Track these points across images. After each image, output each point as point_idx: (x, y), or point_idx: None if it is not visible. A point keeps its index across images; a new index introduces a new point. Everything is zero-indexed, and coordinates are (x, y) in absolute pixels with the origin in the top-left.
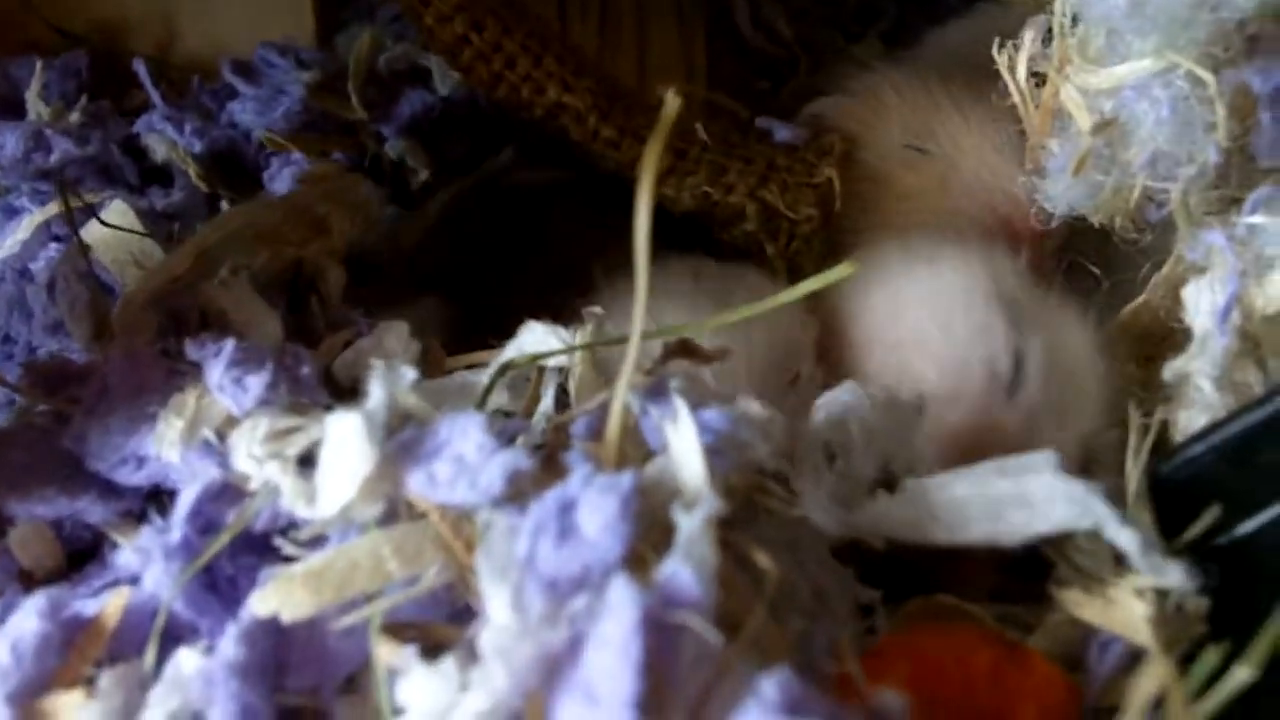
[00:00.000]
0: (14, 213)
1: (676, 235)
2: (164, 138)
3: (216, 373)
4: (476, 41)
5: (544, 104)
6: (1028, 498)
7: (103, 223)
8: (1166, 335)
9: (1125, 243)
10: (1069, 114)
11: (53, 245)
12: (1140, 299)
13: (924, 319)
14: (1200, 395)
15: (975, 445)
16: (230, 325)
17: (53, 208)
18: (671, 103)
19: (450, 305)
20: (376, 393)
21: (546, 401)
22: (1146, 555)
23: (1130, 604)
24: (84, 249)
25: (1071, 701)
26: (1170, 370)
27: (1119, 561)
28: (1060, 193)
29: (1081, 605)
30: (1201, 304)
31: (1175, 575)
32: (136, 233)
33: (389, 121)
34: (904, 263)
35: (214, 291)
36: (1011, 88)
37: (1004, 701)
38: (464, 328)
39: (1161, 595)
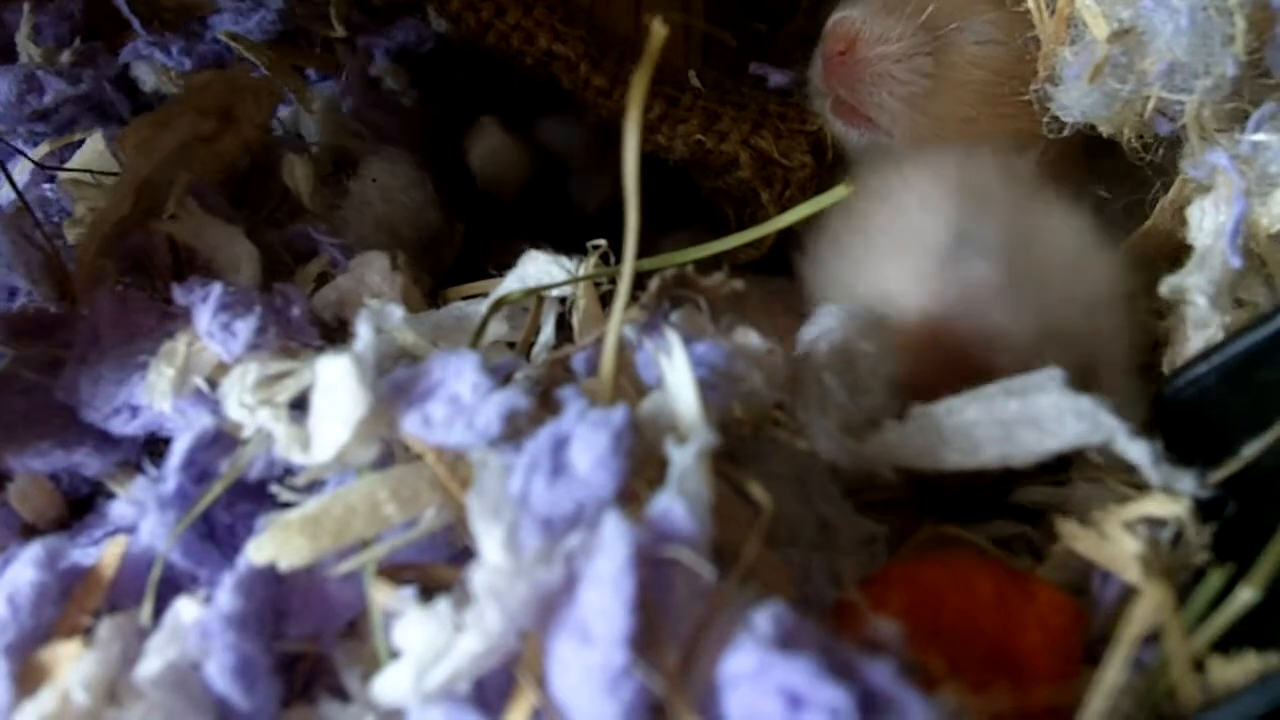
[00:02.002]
0: (9, 156)
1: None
2: (152, 63)
3: (205, 318)
4: None
5: (534, 53)
6: (1037, 416)
7: (49, 168)
8: (1176, 258)
9: (1135, 158)
10: (1084, 22)
11: (46, 186)
12: (1148, 222)
13: (879, 210)
14: (1196, 311)
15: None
16: (198, 257)
17: (44, 148)
18: (658, 32)
19: None
20: (365, 333)
21: (547, 332)
22: (1158, 466)
23: (1122, 540)
24: (26, 207)
25: (1076, 627)
26: (1167, 286)
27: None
28: (1074, 101)
29: (1078, 539)
30: (1205, 223)
31: (1188, 484)
32: (103, 173)
33: (377, 44)
34: (884, 165)
35: (171, 226)
36: None
37: (1008, 627)
38: None
39: (1158, 525)
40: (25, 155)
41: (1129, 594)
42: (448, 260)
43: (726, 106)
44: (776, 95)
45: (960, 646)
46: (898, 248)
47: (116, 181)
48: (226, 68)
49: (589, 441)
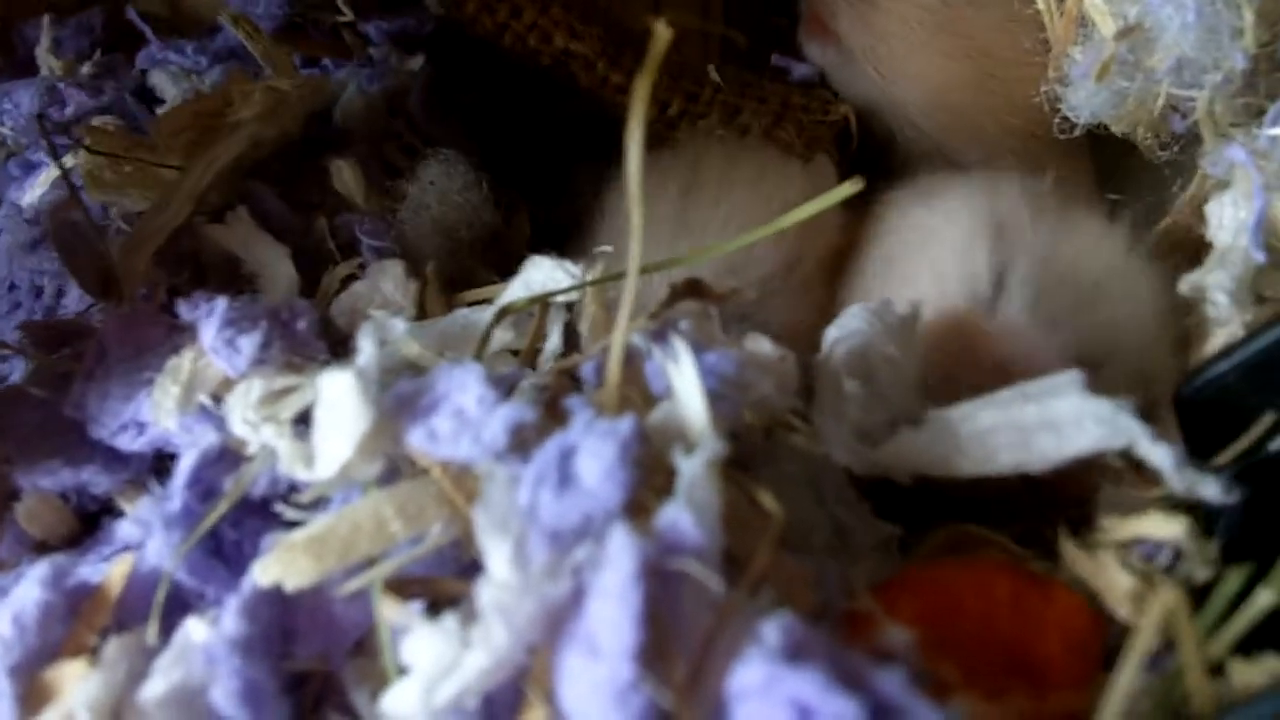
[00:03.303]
0: (32, 168)
1: None
2: (169, 69)
3: (210, 334)
4: None
5: (551, 52)
6: (1055, 421)
7: (90, 152)
8: (1196, 255)
9: (1152, 157)
10: (1093, 20)
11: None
12: (1168, 219)
13: (914, 246)
14: (1216, 309)
15: (959, 357)
16: (239, 267)
17: (68, 160)
18: (661, 35)
19: None
20: (367, 348)
21: (554, 339)
22: (1180, 471)
23: (1115, 575)
24: (78, 200)
25: (1096, 631)
26: (1187, 283)
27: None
28: (1083, 101)
29: (1076, 561)
30: (1224, 219)
31: (1210, 490)
32: (128, 158)
33: (378, 28)
34: (908, 195)
35: (219, 233)
36: None
37: (1026, 631)
38: None
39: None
40: (57, 163)
41: None
42: (520, 250)
43: (747, 100)
44: (799, 87)
45: (977, 652)
46: (936, 288)
47: (173, 187)
48: (242, 62)
49: (596, 452)
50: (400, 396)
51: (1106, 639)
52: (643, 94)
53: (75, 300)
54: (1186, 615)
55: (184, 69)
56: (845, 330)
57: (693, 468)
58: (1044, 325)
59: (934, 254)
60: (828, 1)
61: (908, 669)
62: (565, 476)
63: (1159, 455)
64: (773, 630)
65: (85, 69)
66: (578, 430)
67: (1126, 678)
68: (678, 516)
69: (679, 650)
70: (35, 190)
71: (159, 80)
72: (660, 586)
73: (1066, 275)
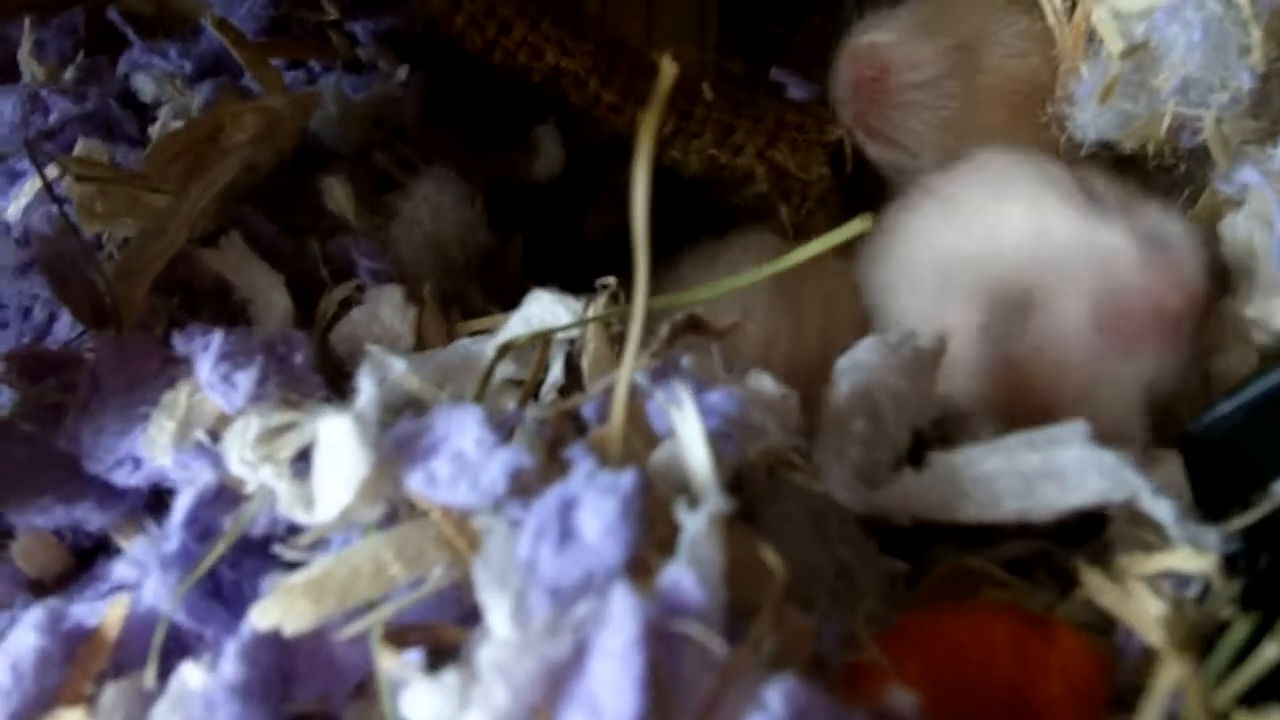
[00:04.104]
0: (15, 176)
1: (685, 199)
2: (151, 72)
3: (205, 368)
4: (467, 5)
5: (542, 69)
6: (1059, 470)
7: (77, 176)
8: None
9: (1161, 172)
10: (1101, 37)
11: (53, 206)
12: None
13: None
14: (1245, 337)
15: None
16: (232, 293)
17: (51, 171)
18: (668, 71)
19: None
20: (367, 389)
21: (555, 372)
22: (1182, 525)
23: (1144, 599)
24: (71, 227)
25: (1100, 674)
26: (1224, 316)
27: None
28: (1089, 120)
29: (1101, 591)
30: (1239, 240)
31: (1214, 541)
32: (112, 181)
33: (365, 27)
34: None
35: (212, 258)
36: (1046, 9)
37: (1028, 676)
38: None
39: (1183, 583)
40: (52, 195)
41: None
42: (513, 274)
43: (741, 119)
44: (794, 105)
45: (980, 699)
46: (1032, 194)
47: (168, 213)
48: (224, 68)
49: (598, 508)
50: (400, 439)
51: (1111, 680)
52: (649, 132)
53: (67, 326)
54: (1196, 677)
55: (167, 73)
56: (853, 363)
57: (696, 524)
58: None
59: (1017, 178)
60: (899, 127)
61: None
62: (566, 531)
63: (1161, 509)
64: (776, 696)
65: (68, 74)
66: (579, 481)
67: None
68: (680, 576)
69: (681, 713)
70: (20, 200)
71: (141, 84)
72: (663, 649)
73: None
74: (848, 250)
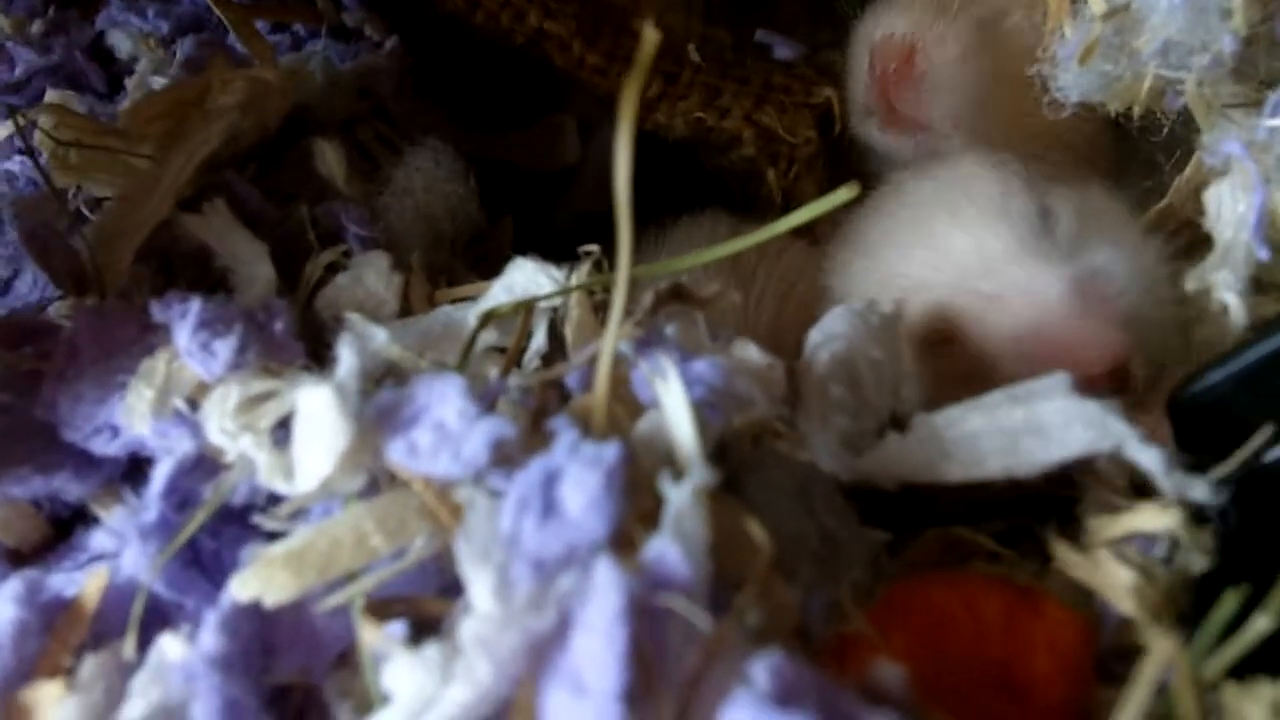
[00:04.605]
0: None
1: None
2: (128, 29)
3: (184, 336)
4: None
5: (525, 31)
6: (1043, 424)
7: (52, 138)
8: (1192, 240)
9: (1143, 135)
10: None
11: (18, 158)
12: (1164, 201)
13: (945, 199)
14: (1226, 309)
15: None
16: (212, 259)
17: (4, 129)
18: (650, 38)
19: None
20: (347, 359)
21: (538, 339)
22: (1170, 474)
23: (1114, 570)
24: (54, 190)
25: (1085, 644)
26: (1193, 279)
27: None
28: (1071, 81)
29: (1070, 562)
30: (1223, 211)
31: (1200, 492)
32: (90, 146)
33: None
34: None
35: (195, 224)
36: None
37: (1017, 649)
38: None
39: (1149, 543)
40: (34, 161)
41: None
42: (501, 254)
43: (728, 81)
44: (781, 67)
45: (968, 672)
46: (982, 221)
47: (151, 181)
48: (205, 30)
49: (581, 481)
50: (380, 409)
51: (1096, 651)
52: (631, 99)
53: (28, 285)
54: (1183, 654)
55: (144, 32)
56: (827, 333)
57: (681, 497)
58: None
59: (978, 198)
60: (934, 109)
61: (900, 714)
62: (549, 504)
63: (1148, 458)
64: (761, 671)
65: (35, 26)
66: (562, 453)
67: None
68: (665, 550)
69: (665, 689)
70: None
71: (116, 39)
72: (646, 623)
73: (1100, 225)
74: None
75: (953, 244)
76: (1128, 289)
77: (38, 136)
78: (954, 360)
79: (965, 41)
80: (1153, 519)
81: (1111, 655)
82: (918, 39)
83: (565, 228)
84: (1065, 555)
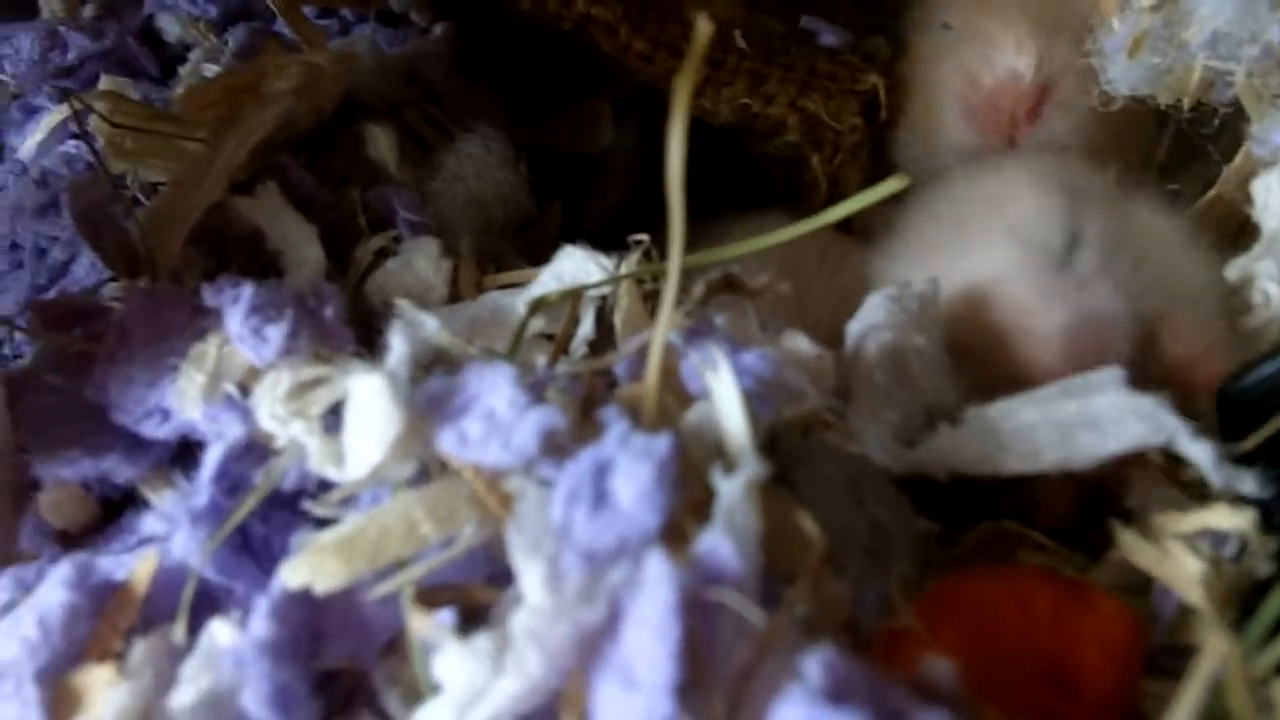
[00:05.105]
0: (33, 112)
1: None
2: (177, 13)
3: (235, 321)
4: None
5: (572, 16)
6: (1097, 418)
7: (109, 123)
8: (1240, 231)
9: (1191, 128)
10: None
11: (71, 143)
12: (1212, 192)
13: (982, 209)
14: (1266, 299)
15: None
16: (263, 243)
17: (63, 112)
18: (703, 29)
19: None
20: (399, 347)
21: (586, 326)
22: (1220, 468)
23: (1183, 558)
24: (107, 173)
25: (1135, 639)
26: (1235, 269)
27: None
28: (1120, 74)
29: (1138, 551)
30: (1270, 201)
31: (1249, 485)
32: (146, 130)
33: None
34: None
35: (247, 206)
36: None
37: (1066, 644)
38: None
39: (1220, 541)
40: (90, 147)
41: (1189, 606)
42: (550, 240)
43: (773, 67)
44: (826, 53)
45: (1018, 666)
46: (1006, 242)
47: (204, 163)
48: (253, 12)
49: (632, 473)
50: (431, 397)
51: (1146, 644)
52: (685, 92)
53: (85, 269)
54: (1237, 655)
55: (192, 16)
56: (867, 323)
57: (733, 490)
58: (1113, 291)
59: (1011, 214)
60: (1058, 131)
61: (952, 712)
62: (600, 495)
63: (1199, 452)
64: (814, 666)
65: (87, 10)
66: (612, 444)
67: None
68: (717, 543)
69: (717, 683)
70: (36, 137)
71: (165, 23)
72: (698, 617)
73: (1133, 248)
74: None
75: (977, 254)
76: (1127, 335)
77: (93, 122)
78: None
79: (1068, 52)
80: (1226, 518)
81: (1162, 650)
82: (1048, 81)
83: (595, 218)
84: (1132, 542)
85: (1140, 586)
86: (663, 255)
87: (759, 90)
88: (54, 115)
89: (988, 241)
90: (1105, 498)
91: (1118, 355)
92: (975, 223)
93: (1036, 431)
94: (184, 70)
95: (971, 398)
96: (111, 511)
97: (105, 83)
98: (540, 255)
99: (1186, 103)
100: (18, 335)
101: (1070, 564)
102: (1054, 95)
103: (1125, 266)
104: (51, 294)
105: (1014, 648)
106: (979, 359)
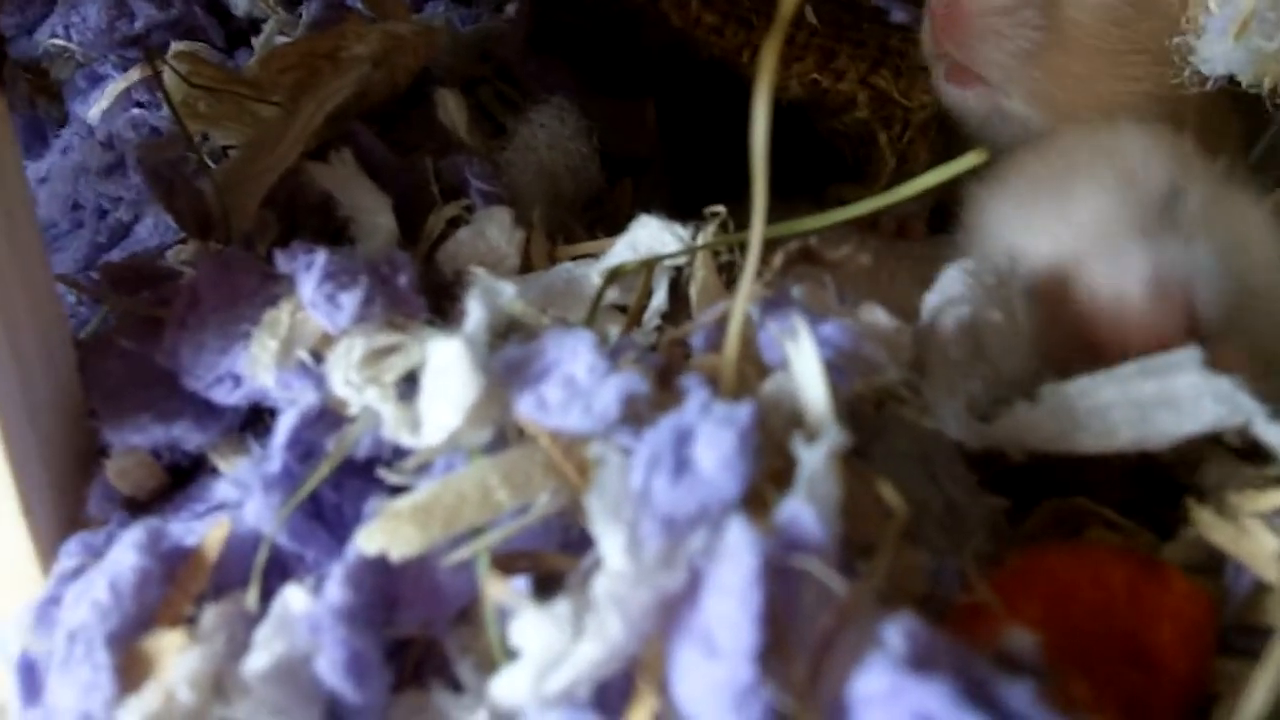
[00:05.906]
0: (99, 80)
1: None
2: None
3: (309, 288)
4: None
5: None
6: (1174, 398)
7: (187, 82)
8: None
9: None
10: None
11: (135, 110)
12: None
13: (1092, 156)
14: None
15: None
16: (334, 210)
17: (134, 74)
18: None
19: None
20: (476, 313)
21: (659, 297)
22: None
23: (1262, 537)
24: (186, 135)
25: (1208, 618)
26: None
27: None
28: (1219, 55)
29: (1214, 528)
30: None
31: None
32: (223, 89)
33: None
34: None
35: (321, 173)
36: None
37: (1142, 621)
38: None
39: None
40: (174, 112)
41: (1262, 585)
42: (620, 217)
43: (844, 44)
44: (898, 30)
45: (1094, 643)
46: (1112, 184)
47: (281, 127)
48: None
49: (714, 440)
50: (510, 363)
51: (1218, 626)
52: (771, 58)
53: (149, 229)
54: None
55: None
56: (945, 296)
57: (814, 459)
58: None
59: (1119, 162)
60: (981, 58)
61: (1035, 681)
62: (681, 462)
63: (1275, 435)
64: (895, 634)
65: None
66: (693, 412)
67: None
68: (799, 511)
69: (798, 651)
70: (102, 103)
71: None
72: (779, 584)
73: (1231, 230)
74: None
75: (1081, 203)
76: (1221, 293)
77: (169, 81)
78: (1054, 322)
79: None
80: None
81: (1234, 629)
82: None
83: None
84: (1207, 519)
85: (1210, 566)
86: (743, 226)
87: (829, 66)
88: (122, 81)
89: (1094, 185)
90: (1173, 477)
91: (1205, 319)
92: (1084, 168)
93: (1113, 410)
94: (258, 41)
95: (1048, 375)
96: (179, 479)
97: (184, 46)
98: (609, 231)
99: (1268, 83)
100: (73, 296)
101: (1140, 542)
102: (982, 14)
103: (1221, 237)
104: (113, 255)
105: (1090, 625)
106: (1066, 321)
